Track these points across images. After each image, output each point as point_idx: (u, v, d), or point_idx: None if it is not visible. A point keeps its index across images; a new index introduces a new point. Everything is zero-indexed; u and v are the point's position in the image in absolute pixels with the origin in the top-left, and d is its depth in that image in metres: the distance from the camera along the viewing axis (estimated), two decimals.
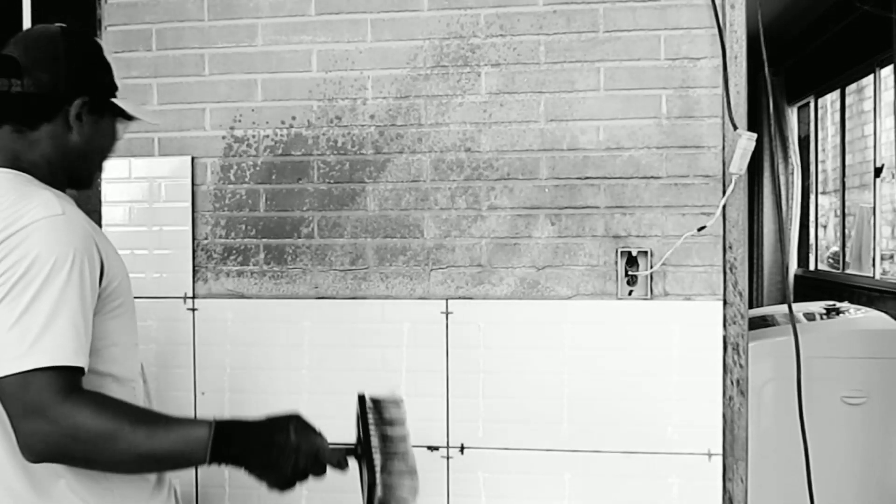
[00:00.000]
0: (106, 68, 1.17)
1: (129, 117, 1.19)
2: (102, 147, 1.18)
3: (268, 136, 1.96)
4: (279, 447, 0.98)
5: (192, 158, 1.98)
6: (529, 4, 1.87)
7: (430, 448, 1.90)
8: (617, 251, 1.86)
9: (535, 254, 1.88)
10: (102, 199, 2.01)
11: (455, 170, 1.90)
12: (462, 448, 1.89)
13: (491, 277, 1.89)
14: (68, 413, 0.91)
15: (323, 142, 1.94)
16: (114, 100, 1.16)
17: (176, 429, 0.97)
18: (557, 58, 1.86)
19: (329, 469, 1.02)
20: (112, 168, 2.00)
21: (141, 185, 1.99)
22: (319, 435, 1.03)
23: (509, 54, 1.88)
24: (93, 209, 2.23)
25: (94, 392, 0.99)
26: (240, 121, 1.97)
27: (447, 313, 1.90)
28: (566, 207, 1.87)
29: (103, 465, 0.97)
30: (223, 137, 1.97)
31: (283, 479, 0.99)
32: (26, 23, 2.23)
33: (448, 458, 1.89)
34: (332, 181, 1.94)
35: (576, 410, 1.86)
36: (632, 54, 1.84)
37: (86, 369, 0.97)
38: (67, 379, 0.94)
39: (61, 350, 0.93)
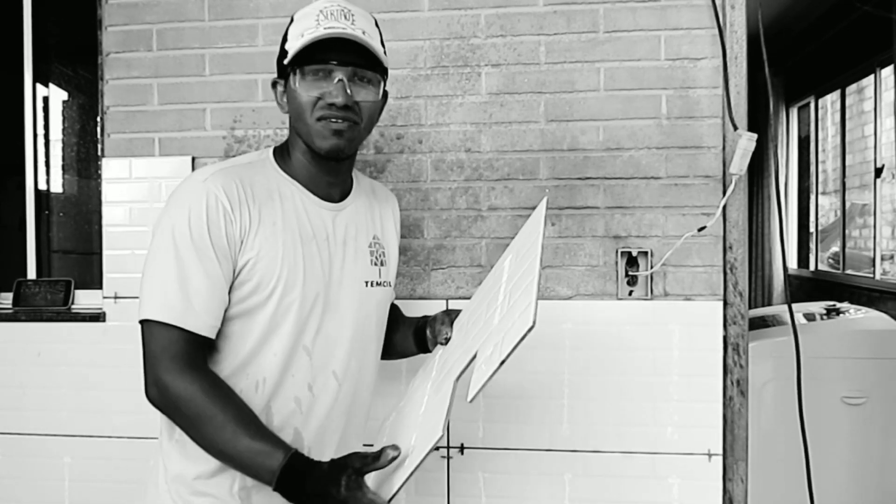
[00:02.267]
0: (284, 38, 1.15)
1: (302, 61, 1.11)
2: (297, 110, 1.14)
3: (268, 137, 1.96)
4: (327, 499, 0.98)
5: (193, 158, 1.98)
6: (530, 5, 1.87)
7: None
8: (617, 251, 1.86)
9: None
10: (103, 199, 2.01)
11: (455, 170, 1.90)
12: (462, 448, 1.89)
13: None
14: (173, 385, 1.03)
15: None
16: (285, 62, 1.14)
17: (258, 442, 1.01)
18: (558, 58, 1.86)
19: None
20: (112, 168, 2.00)
21: (141, 185, 1.99)
22: (367, 491, 1.00)
23: (509, 54, 1.88)
24: (93, 209, 2.24)
25: (207, 375, 1.06)
26: (240, 121, 1.97)
27: None
28: (566, 208, 1.87)
29: (191, 437, 1.05)
30: (224, 138, 1.98)
31: None
32: (27, 22, 2.23)
33: (448, 458, 1.89)
34: None
35: (576, 410, 1.86)
36: (632, 55, 1.84)
37: (209, 335, 1.07)
38: (185, 347, 1.04)
39: (166, 307, 1.04)
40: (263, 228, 1.10)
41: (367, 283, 1.24)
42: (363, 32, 1.12)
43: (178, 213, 1.07)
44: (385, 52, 1.20)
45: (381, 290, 1.28)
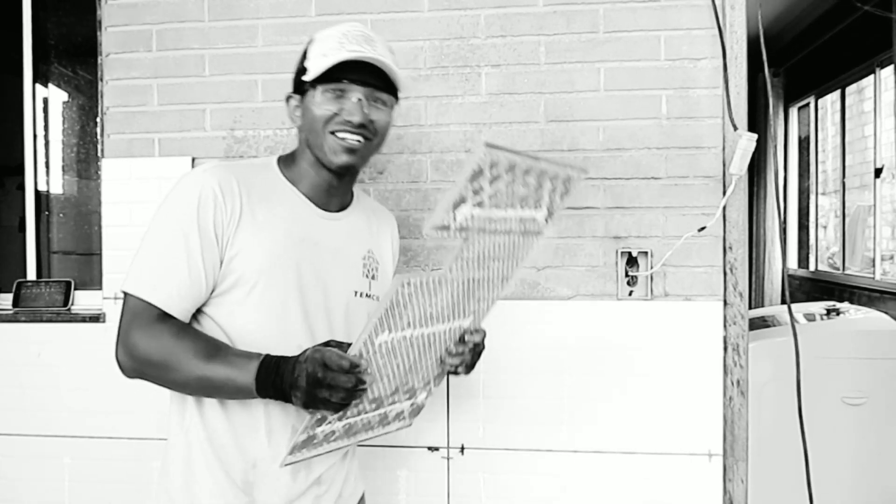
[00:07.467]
0: (304, 56, 1.22)
1: (323, 80, 1.16)
2: (311, 123, 1.18)
3: (268, 137, 1.96)
4: (288, 369, 1.02)
5: (193, 159, 1.98)
6: (530, 5, 1.87)
7: (430, 448, 1.90)
8: (617, 251, 1.86)
9: (535, 254, 1.88)
10: (103, 199, 2.01)
11: (455, 170, 1.90)
12: (462, 448, 1.89)
13: None
14: (141, 341, 1.07)
15: None
16: (304, 78, 1.18)
17: (231, 360, 1.05)
18: (558, 58, 1.86)
19: (344, 372, 0.97)
20: (112, 168, 2.00)
21: (141, 185, 1.99)
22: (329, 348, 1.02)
23: (509, 55, 1.88)
24: (93, 210, 2.24)
25: (174, 323, 1.09)
26: (240, 121, 1.97)
27: None
28: (566, 208, 1.87)
29: (171, 386, 1.10)
30: (223, 138, 1.98)
31: (303, 393, 0.99)
32: (26, 22, 2.23)
33: (448, 459, 1.89)
34: None
35: (576, 410, 1.86)
36: (632, 55, 1.84)
37: (180, 317, 1.10)
38: (151, 312, 1.08)
39: (141, 283, 1.09)
40: (252, 225, 1.13)
41: (356, 292, 1.25)
42: (383, 57, 1.17)
43: (172, 197, 1.12)
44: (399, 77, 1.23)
45: (370, 304, 1.29)
